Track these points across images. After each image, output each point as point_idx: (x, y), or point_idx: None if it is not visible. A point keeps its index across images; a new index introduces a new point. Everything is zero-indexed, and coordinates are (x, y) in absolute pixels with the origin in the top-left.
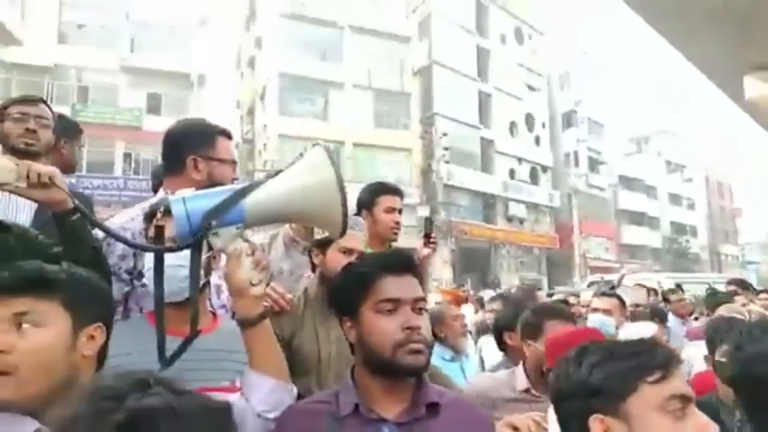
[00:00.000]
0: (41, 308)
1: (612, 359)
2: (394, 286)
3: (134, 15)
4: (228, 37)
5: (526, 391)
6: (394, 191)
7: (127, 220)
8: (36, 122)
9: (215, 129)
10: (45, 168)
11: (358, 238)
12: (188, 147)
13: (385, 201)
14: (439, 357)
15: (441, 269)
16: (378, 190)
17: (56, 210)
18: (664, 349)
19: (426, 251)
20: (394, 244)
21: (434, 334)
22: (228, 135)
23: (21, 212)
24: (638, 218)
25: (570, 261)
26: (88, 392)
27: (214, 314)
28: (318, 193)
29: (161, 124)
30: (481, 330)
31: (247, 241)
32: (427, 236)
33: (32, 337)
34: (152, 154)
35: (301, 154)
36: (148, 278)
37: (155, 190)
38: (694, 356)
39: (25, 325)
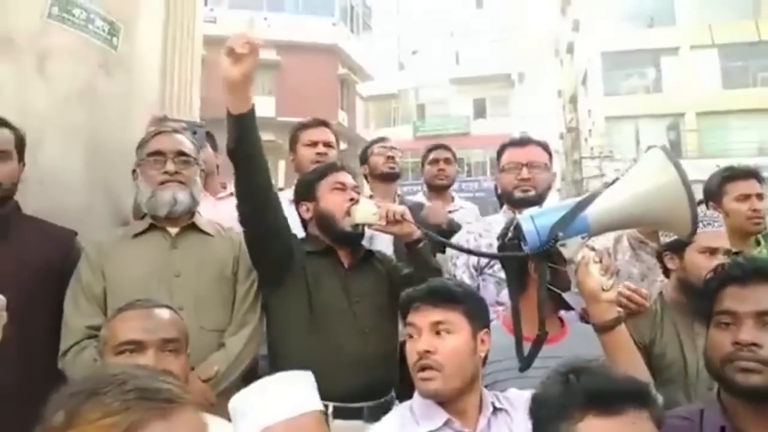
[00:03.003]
0: (451, 318)
1: None
2: (734, 297)
3: (457, 31)
4: (544, 28)
5: None
6: (746, 175)
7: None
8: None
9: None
10: (398, 207)
11: (719, 235)
12: None
13: (736, 188)
14: None
15: None
16: (724, 177)
17: (406, 240)
18: None
19: None
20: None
21: None
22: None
23: (381, 243)
24: None
25: None
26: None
27: (561, 320)
28: (661, 194)
29: (486, 126)
30: None
31: (593, 249)
32: None
33: (449, 342)
34: (481, 156)
35: (634, 160)
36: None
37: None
38: None
39: (442, 332)
